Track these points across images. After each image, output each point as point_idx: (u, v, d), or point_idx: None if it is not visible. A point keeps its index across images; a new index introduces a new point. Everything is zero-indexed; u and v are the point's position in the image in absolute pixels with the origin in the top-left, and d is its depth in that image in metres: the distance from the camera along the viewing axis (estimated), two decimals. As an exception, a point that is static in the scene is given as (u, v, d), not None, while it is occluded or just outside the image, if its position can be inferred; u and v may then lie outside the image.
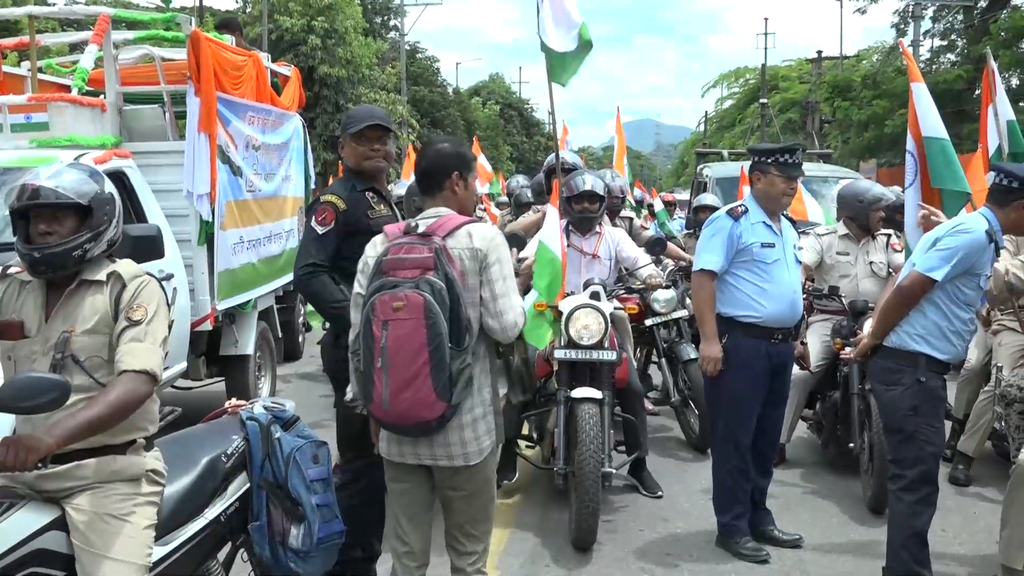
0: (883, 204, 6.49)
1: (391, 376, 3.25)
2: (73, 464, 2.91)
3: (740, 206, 5.02)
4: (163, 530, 3.05)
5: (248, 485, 3.43)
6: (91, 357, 2.97)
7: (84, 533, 2.86)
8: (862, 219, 6.51)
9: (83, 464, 2.93)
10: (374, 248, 3.53)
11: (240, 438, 3.46)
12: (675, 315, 6.88)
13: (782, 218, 5.09)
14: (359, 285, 3.48)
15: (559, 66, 6.00)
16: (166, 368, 6.64)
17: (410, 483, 3.56)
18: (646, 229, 7.82)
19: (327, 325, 4.57)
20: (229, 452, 3.39)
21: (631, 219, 7.70)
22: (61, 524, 2.87)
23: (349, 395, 3.73)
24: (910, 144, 6.26)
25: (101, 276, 3.04)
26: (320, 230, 4.24)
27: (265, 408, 3.61)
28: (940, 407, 4.45)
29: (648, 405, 6.59)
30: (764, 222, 4.97)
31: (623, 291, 6.22)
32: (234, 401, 3.73)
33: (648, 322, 6.88)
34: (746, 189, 9.35)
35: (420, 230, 3.39)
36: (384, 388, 3.26)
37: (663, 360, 7.00)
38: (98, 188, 3.04)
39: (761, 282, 4.93)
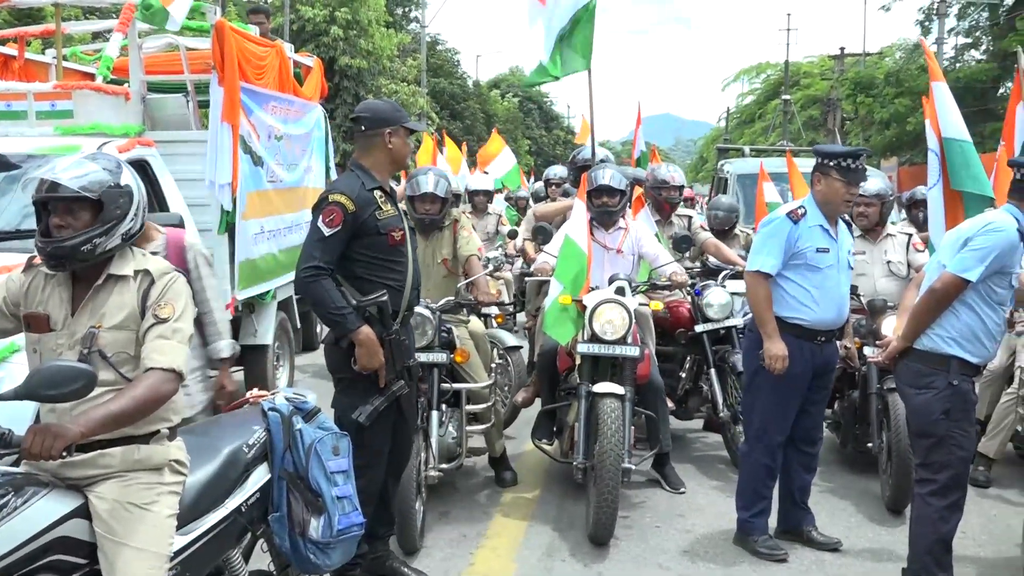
0: (860, 199, 6.39)
1: None
2: (97, 452, 2.92)
3: (800, 208, 4.94)
4: (184, 519, 3.06)
5: (269, 476, 3.44)
6: (118, 353, 2.98)
7: (107, 521, 2.87)
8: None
9: (107, 453, 2.94)
10: None
11: (261, 429, 3.47)
12: (728, 323, 6.49)
13: (839, 221, 5.03)
14: None
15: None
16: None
17: None
18: (705, 230, 7.40)
19: None
20: (250, 443, 3.39)
21: (690, 217, 7.34)
22: (84, 512, 2.88)
23: (360, 414, 4.15)
24: (932, 142, 6.22)
25: (128, 271, 3.04)
26: (327, 231, 4.16)
27: (287, 399, 3.61)
28: (971, 411, 4.41)
29: (669, 403, 6.46)
30: (822, 226, 4.90)
31: (648, 288, 6.17)
32: (256, 392, 3.74)
33: (699, 328, 6.52)
34: (766, 186, 9.40)
35: None
36: None
37: (713, 371, 6.46)
38: (112, 181, 3.01)
39: (811, 286, 4.87)
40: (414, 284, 4.39)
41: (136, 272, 3.05)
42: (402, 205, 4.58)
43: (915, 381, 4.33)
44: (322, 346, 4.82)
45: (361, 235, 4.22)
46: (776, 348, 4.84)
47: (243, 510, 3.31)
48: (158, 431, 3.05)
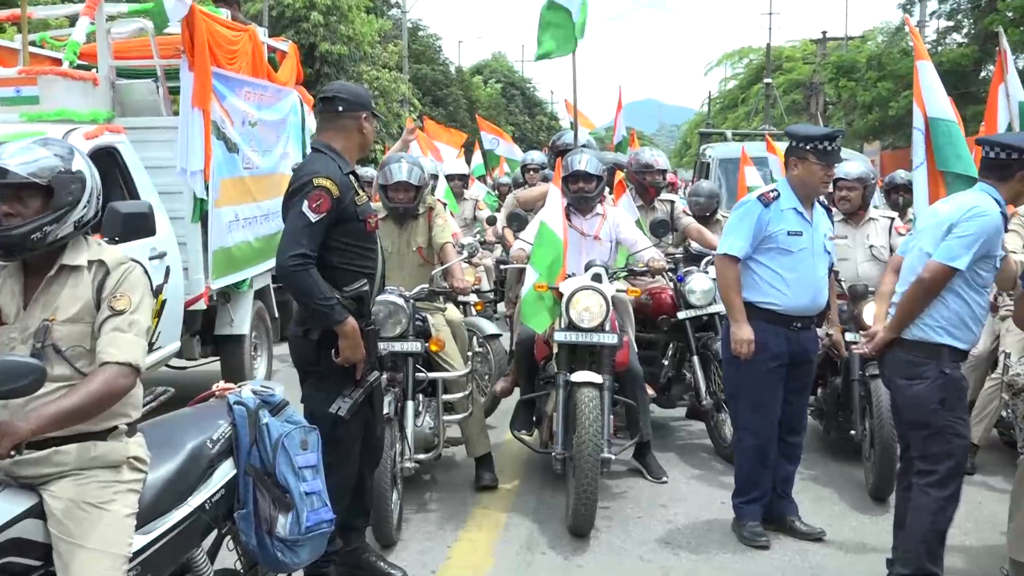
0: (842, 183, 6.33)
1: None
2: (52, 450, 2.81)
3: (772, 191, 4.89)
4: (145, 518, 2.94)
5: (234, 472, 3.32)
6: (73, 347, 2.87)
7: (62, 521, 2.76)
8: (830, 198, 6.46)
9: (62, 450, 2.83)
10: None
11: (227, 423, 3.35)
12: (711, 309, 6.36)
13: (816, 205, 4.96)
14: None
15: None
16: (158, 348, 6.58)
17: None
18: (688, 215, 7.29)
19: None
20: (215, 437, 3.28)
21: (672, 203, 7.22)
22: (38, 512, 2.77)
23: (339, 409, 3.99)
24: (918, 121, 6.14)
25: (82, 261, 2.93)
26: (313, 217, 3.95)
27: (253, 392, 3.49)
28: (964, 397, 4.35)
29: (650, 391, 6.36)
30: (795, 209, 4.84)
31: (626, 274, 6.07)
32: (222, 384, 3.62)
33: (681, 315, 6.41)
34: (748, 170, 9.33)
35: None
36: None
37: (696, 358, 6.38)
38: (62, 166, 2.89)
39: (783, 270, 4.81)
40: (383, 272, 4.29)
41: (90, 262, 2.93)
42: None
43: (906, 372, 4.22)
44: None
45: (341, 221, 4.05)
46: (742, 332, 4.79)
47: (207, 507, 3.20)
48: (116, 427, 2.94)
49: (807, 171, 4.80)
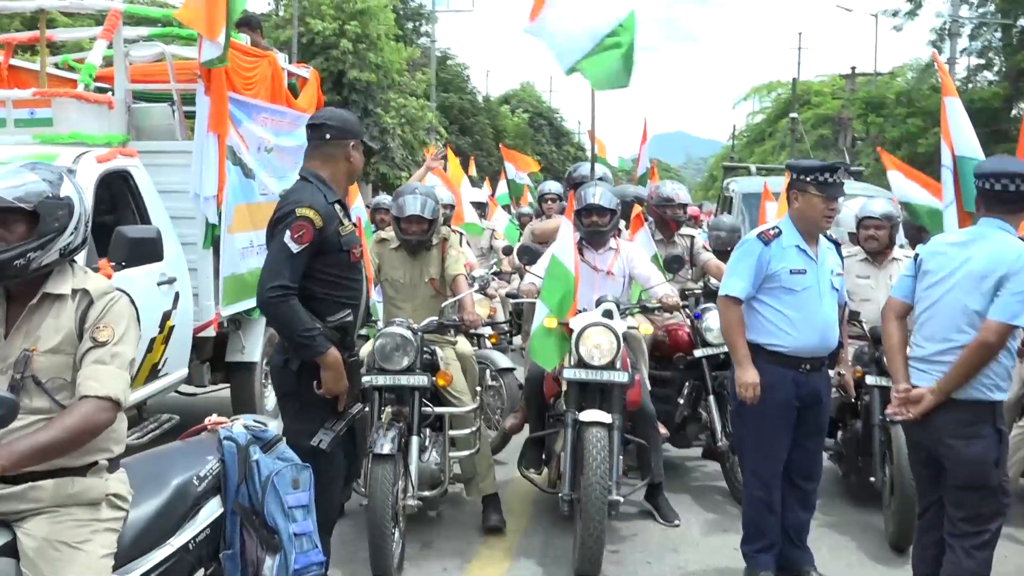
0: (869, 222, 6.21)
1: None
2: (28, 485, 2.72)
3: (773, 228, 4.73)
4: (124, 558, 2.85)
5: (221, 510, 3.22)
6: (53, 378, 2.78)
7: (34, 561, 2.66)
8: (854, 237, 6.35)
9: (38, 486, 2.73)
10: None
11: (215, 459, 3.26)
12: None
13: (822, 241, 4.79)
14: None
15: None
16: (165, 374, 6.49)
17: None
18: (708, 250, 7.17)
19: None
20: (202, 474, 3.18)
21: (693, 237, 7.07)
22: (11, 550, 2.68)
23: (320, 442, 3.93)
24: (947, 159, 5.97)
25: (66, 290, 2.84)
26: (295, 248, 3.91)
27: (245, 427, 3.39)
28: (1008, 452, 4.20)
29: (663, 430, 6.19)
30: (798, 246, 4.67)
31: (638, 311, 5.92)
32: (214, 418, 3.52)
33: (697, 353, 6.25)
34: (769, 205, 9.16)
35: None
36: None
37: (712, 397, 6.19)
38: (50, 192, 2.81)
39: (788, 310, 4.63)
40: (367, 303, 4.19)
41: (74, 291, 2.85)
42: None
43: (961, 431, 3.98)
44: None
45: (323, 252, 4.00)
46: (746, 376, 4.61)
47: (191, 547, 3.10)
48: (96, 463, 2.84)
49: (808, 204, 4.64)
